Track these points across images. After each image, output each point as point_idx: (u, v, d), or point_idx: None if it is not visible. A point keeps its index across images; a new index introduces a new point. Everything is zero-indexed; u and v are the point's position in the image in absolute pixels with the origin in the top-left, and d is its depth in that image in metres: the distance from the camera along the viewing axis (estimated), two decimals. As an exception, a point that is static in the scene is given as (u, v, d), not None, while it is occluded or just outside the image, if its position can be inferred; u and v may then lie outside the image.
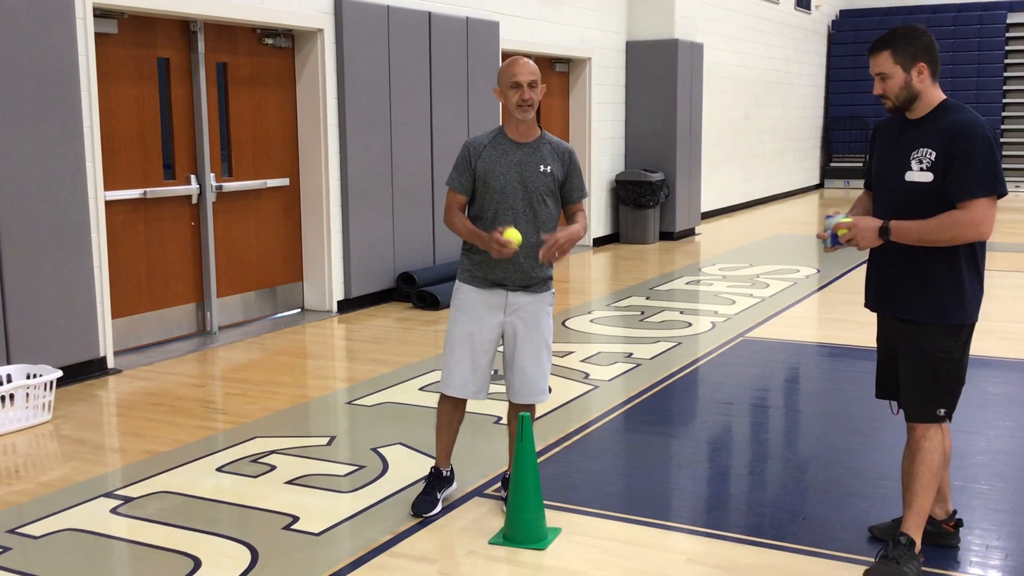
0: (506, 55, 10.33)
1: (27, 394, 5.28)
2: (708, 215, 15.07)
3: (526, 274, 3.87)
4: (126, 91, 6.66)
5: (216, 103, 7.35)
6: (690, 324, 7.65)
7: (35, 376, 5.35)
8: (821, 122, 21.30)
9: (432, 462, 4.35)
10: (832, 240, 3.45)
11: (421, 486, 4.17)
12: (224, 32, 7.34)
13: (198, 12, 6.84)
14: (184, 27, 7.06)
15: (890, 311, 3.47)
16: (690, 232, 13.36)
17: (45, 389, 5.30)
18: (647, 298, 8.79)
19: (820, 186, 21.47)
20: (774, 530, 3.86)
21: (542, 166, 3.84)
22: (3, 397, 5.15)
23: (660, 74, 12.55)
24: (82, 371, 6.09)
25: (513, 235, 3.66)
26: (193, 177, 7.17)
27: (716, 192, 15.45)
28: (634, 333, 7.39)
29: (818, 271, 10.19)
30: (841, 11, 21.73)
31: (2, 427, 5.10)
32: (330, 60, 7.86)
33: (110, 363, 6.32)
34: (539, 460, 4.54)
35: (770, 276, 9.84)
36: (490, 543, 3.73)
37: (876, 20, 20.77)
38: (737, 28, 15.95)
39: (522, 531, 3.71)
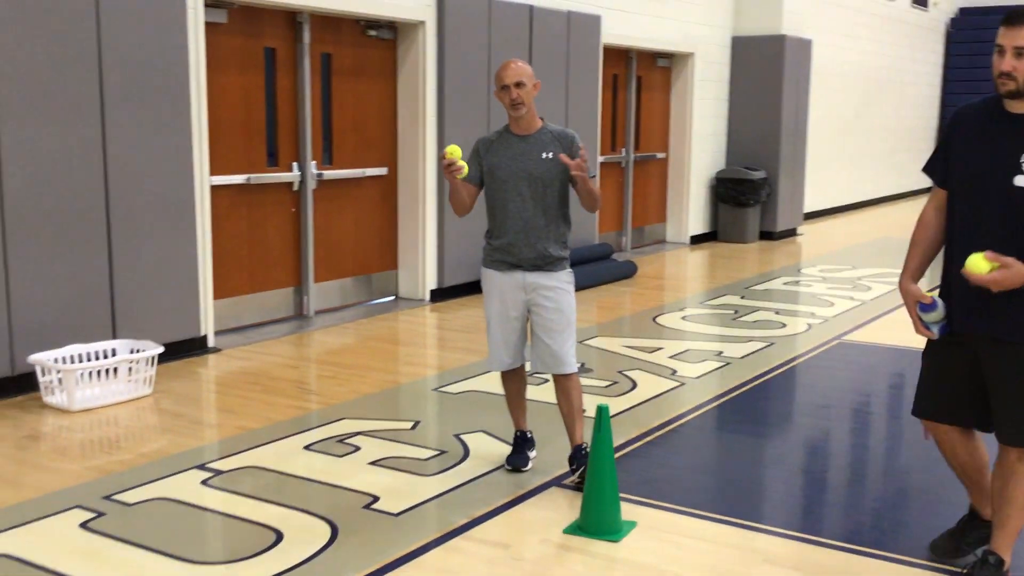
0: (607, 50, 10.30)
1: (130, 368, 5.50)
2: (812, 216, 14.73)
3: (540, 255, 4.15)
4: (233, 80, 6.87)
5: (319, 93, 7.52)
6: (784, 325, 7.50)
7: (138, 351, 5.58)
8: (936, 123, 20.56)
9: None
10: (941, 330, 3.23)
11: (498, 470, 4.25)
12: (329, 23, 7.51)
13: (305, 3, 7.01)
14: (291, 18, 7.24)
15: (978, 329, 3.14)
16: (792, 232, 13.08)
17: (147, 364, 5.52)
18: (742, 297, 8.65)
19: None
20: (858, 535, 3.76)
21: (544, 153, 4.11)
22: (107, 370, 5.37)
23: (766, 70, 12.31)
24: (184, 348, 6.31)
25: (451, 149, 3.94)
26: (295, 164, 7.35)
27: (821, 192, 15.07)
28: (726, 332, 7.28)
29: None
30: (960, 9, 20.93)
31: (106, 399, 5.33)
32: (431, 52, 7.96)
33: (210, 342, 6.53)
34: (620, 453, 4.55)
35: (873, 279, 9.57)
36: (564, 532, 3.73)
37: (997, 19, 19.89)
38: (849, 25, 15.53)
39: (597, 522, 3.71)
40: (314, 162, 7.44)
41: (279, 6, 6.96)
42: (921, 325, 3.28)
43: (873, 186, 17.42)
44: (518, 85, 4.08)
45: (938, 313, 3.22)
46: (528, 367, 4.39)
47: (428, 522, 3.84)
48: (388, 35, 7.94)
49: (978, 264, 2.99)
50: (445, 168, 3.97)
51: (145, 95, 5.90)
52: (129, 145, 5.84)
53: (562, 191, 4.18)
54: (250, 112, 7.02)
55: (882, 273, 9.93)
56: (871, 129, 16.96)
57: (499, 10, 8.44)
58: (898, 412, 5.56)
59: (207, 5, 6.45)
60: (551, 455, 4.52)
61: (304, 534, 3.71)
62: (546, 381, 5.21)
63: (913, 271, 3.38)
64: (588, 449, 4.06)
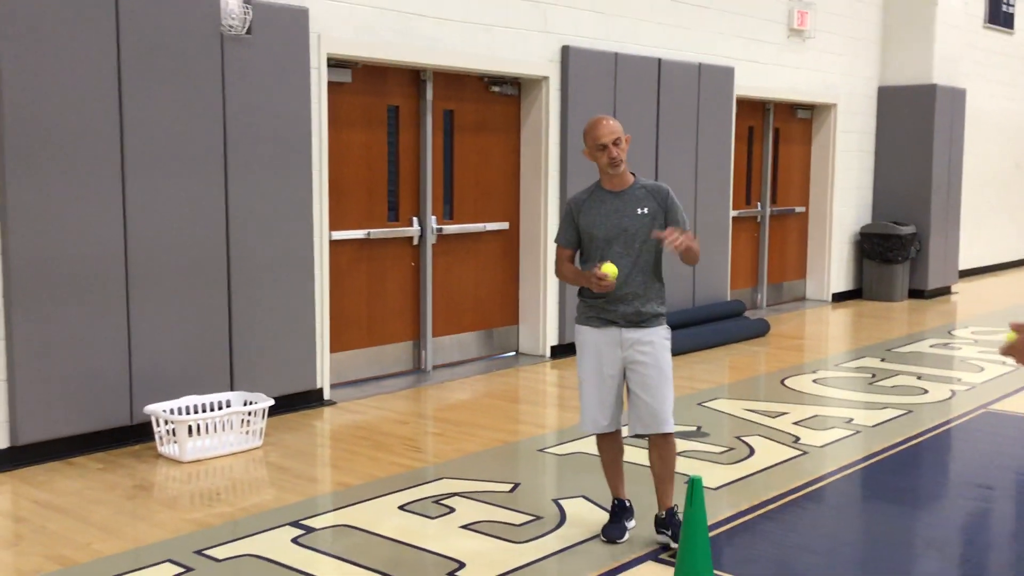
0: (742, 101, 10.03)
1: (243, 420, 5.58)
2: (968, 273, 13.87)
3: (637, 311, 4.05)
4: (356, 137, 6.99)
5: (441, 149, 7.58)
6: (926, 391, 6.99)
7: (251, 403, 5.65)
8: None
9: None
10: None
11: (593, 539, 4.05)
12: (452, 80, 7.57)
13: (429, 62, 7.10)
14: (415, 76, 7.34)
15: None
16: (945, 291, 12.33)
17: (257, 416, 5.58)
18: (882, 360, 8.14)
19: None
20: (984, 633, 3.37)
21: (639, 209, 4.04)
22: (218, 422, 5.46)
23: (915, 121, 11.73)
24: (300, 401, 6.38)
25: (609, 269, 3.88)
26: (415, 219, 7.40)
27: (979, 248, 14.20)
28: (859, 397, 6.84)
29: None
30: None
31: (217, 450, 5.40)
32: (554, 107, 7.92)
33: (326, 395, 6.59)
34: (727, 527, 4.29)
35: (1031, 342, 8.84)
36: (653, 613, 3.50)
37: None
38: (1007, 72, 14.68)
39: (689, 603, 3.45)
40: (434, 217, 7.47)
41: (403, 65, 7.06)
42: None
43: (1039, 242, 16.30)
44: (615, 143, 4.02)
45: None
46: (625, 431, 4.20)
47: (511, 594, 3.68)
48: (511, 91, 7.95)
49: None
50: (596, 281, 3.86)
51: (267, 152, 6.06)
52: (250, 200, 5.99)
53: (657, 247, 4.08)
54: (372, 168, 7.13)
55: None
56: (1036, 181, 15.92)
57: (625, 63, 8.34)
58: (1047, 492, 5.04)
59: (331, 65, 6.60)
60: (647, 527, 4.27)
61: (383, 600, 3.61)
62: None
63: None
64: (680, 513, 3.96)
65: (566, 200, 4.25)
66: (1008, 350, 2.64)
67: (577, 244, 4.17)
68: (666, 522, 4.06)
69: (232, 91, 5.86)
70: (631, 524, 4.23)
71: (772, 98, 10.47)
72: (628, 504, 4.27)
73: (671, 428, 4.07)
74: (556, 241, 4.25)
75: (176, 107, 5.62)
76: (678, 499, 4.02)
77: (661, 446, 4.09)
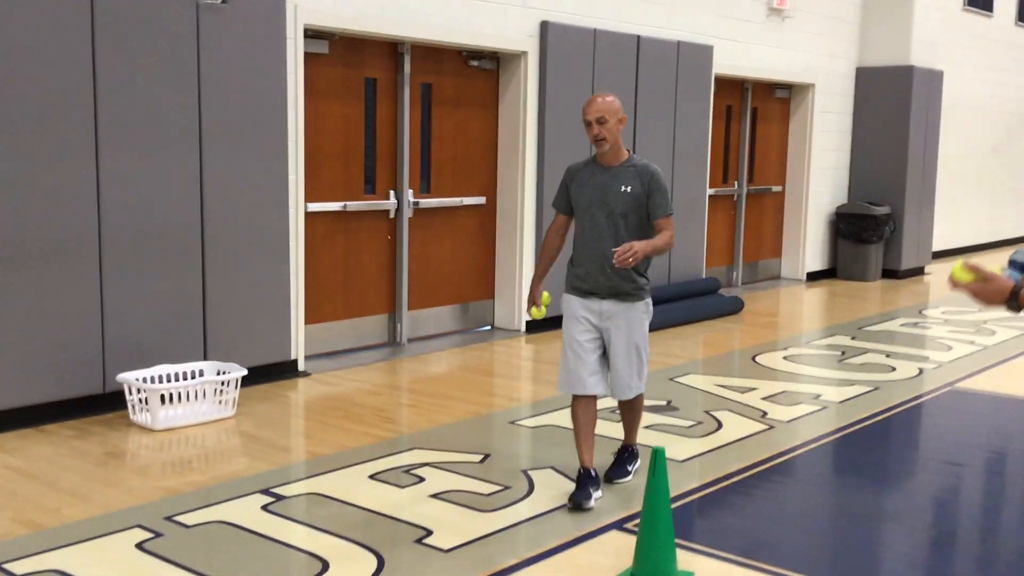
0: (720, 80, 10.06)
1: (216, 389, 5.60)
2: (943, 254, 14.00)
3: (614, 285, 4.27)
4: (333, 109, 6.98)
5: (419, 122, 7.58)
6: (894, 369, 7.09)
7: (224, 373, 5.67)
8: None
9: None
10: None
11: (560, 509, 4.12)
12: (431, 54, 7.56)
13: (407, 35, 7.09)
14: (392, 49, 7.33)
15: None
16: (918, 271, 12.45)
17: (230, 386, 5.60)
18: (852, 338, 8.24)
19: (1083, 229, 19.45)
20: (936, 602, 3.46)
21: (623, 187, 4.24)
22: (191, 391, 5.48)
23: (892, 102, 11.81)
24: (274, 372, 6.40)
25: (537, 312, 4.49)
26: (392, 192, 7.41)
27: (954, 230, 14.34)
28: (828, 374, 6.93)
29: None
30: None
31: (189, 419, 5.43)
32: (533, 82, 7.93)
33: (301, 366, 6.61)
34: (692, 498, 4.37)
35: (1000, 323, 8.98)
36: (615, 580, 3.57)
37: None
38: (986, 56, 14.77)
39: (651, 571, 3.52)
40: (411, 190, 7.48)
41: (381, 37, 7.05)
42: None
43: (1015, 224, 16.47)
44: (599, 121, 4.22)
45: None
46: (607, 401, 4.47)
47: (476, 561, 3.73)
48: (490, 65, 7.95)
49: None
50: (529, 301, 4.52)
51: (243, 123, 6.05)
52: (225, 171, 5.98)
53: (640, 224, 4.27)
54: (349, 140, 7.13)
55: (1012, 317, 9.32)
56: (1013, 165, 16.06)
57: (604, 40, 8.35)
58: (1002, 468, 5.14)
59: (308, 36, 6.58)
60: (611, 498, 4.34)
61: (349, 566, 3.66)
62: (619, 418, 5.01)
63: None
64: (636, 463, 4.64)
65: (566, 168, 4.51)
66: (956, 284, 2.61)
67: (569, 210, 4.44)
68: (621, 451, 4.64)
69: (207, 61, 5.84)
70: (597, 494, 4.30)
71: (750, 77, 10.50)
72: (595, 474, 4.34)
73: (632, 395, 4.43)
74: (553, 205, 4.53)
75: (151, 77, 5.60)
76: (643, 471, 4.09)
77: (629, 404, 4.55)
